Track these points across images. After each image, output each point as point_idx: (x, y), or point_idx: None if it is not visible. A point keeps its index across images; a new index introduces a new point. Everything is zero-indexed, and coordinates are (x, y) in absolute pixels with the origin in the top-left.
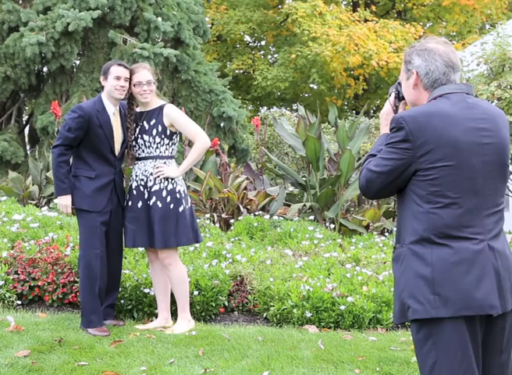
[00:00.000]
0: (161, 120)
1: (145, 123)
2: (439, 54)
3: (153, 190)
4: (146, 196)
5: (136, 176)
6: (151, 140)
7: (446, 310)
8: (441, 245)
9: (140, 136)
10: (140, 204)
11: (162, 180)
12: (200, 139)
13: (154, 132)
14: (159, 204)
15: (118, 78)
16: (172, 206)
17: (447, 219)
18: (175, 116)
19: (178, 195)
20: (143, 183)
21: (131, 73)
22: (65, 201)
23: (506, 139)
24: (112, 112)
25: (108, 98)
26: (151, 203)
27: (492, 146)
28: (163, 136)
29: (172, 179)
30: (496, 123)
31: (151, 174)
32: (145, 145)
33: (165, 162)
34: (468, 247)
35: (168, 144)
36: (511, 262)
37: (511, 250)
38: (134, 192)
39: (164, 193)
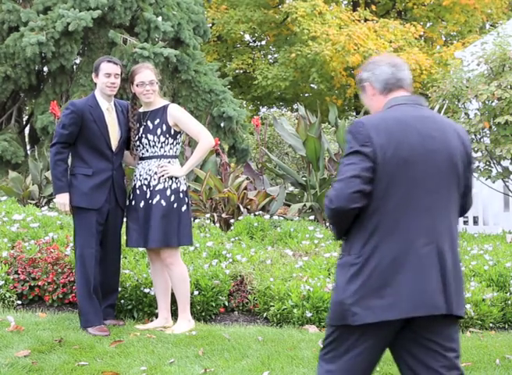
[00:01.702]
0: (166, 120)
1: (149, 122)
2: (381, 59)
3: (157, 189)
4: (148, 195)
5: (140, 175)
6: (156, 139)
7: (394, 313)
8: (389, 248)
9: (144, 135)
10: (142, 203)
11: (167, 179)
12: (204, 138)
13: (159, 131)
14: (163, 202)
15: (108, 75)
16: (175, 205)
17: (396, 221)
18: (179, 115)
19: (181, 195)
20: (146, 182)
21: (134, 74)
22: (62, 200)
23: (455, 148)
24: (106, 107)
25: (101, 94)
26: (154, 202)
27: (442, 154)
28: (167, 135)
29: (176, 178)
30: (445, 133)
31: (155, 173)
32: (149, 145)
33: (169, 162)
34: (417, 248)
35: (172, 143)
36: (458, 265)
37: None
38: (138, 191)
39: (168, 192)
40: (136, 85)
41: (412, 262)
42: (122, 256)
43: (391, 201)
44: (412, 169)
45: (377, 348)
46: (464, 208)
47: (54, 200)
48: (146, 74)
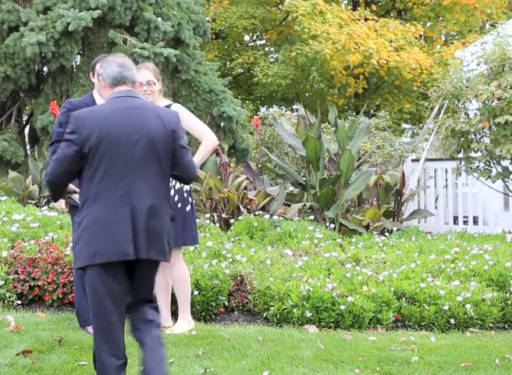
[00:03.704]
0: None
1: None
2: (113, 61)
3: None
4: None
5: None
6: None
7: (96, 259)
8: (94, 212)
9: None
10: None
11: (170, 179)
12: (208, 138)
13: None
14: None
15: None
16: (179, 205)
17: (100, 190)
18: (182, 115)
19: (185, 195)
20: None
21: None
22: None
23: (155, 130)
24: None
25: (99, 93)
26: None
27: (140, 135)
28: None
29: None
30: (147, 119)
31: None
32: None
33: None
34: (113, 210)
35: None
36: (158, 221)
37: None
38: None
39: (172, 192)
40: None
41: (109, 221)
42: None
43: (97, 175)
44: (112, 148)
45: (109, 283)
46: (182, 177)
47: None
48: (143, 74)
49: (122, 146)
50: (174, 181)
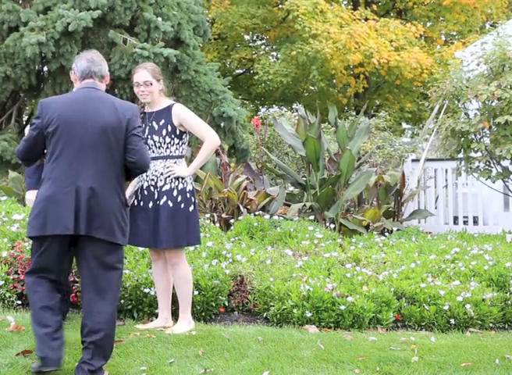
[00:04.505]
0: (171, 120)
1: (154, 123)
2: (84, 56)
3: (163, 189)
4: (156, 196)
5: (147, 176)
6: (161, 140)
7: (42, 231)
8: (46, 188)
9: (149, 136)
10: (150, 204)
11: (173, 180)
12: (210, 138)
13: (164, 132)
14: (170, 203)
15: None
16: (182, 206)
17: (53, 170)
18: (184, 115)
19: (188, 195)
20: (153, 183)
21: (132, 74)
22: (30, 196)
23: (108, 120)
24: None
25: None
26: (161, 203)
27: (94, 123)
28: (173, 136)
29: (182, 178)
30: (103, 109)
31: (162, 174)
32: (155, 146)
33: (175, 162)
34: (61, 188)
35: (178, 143)
36: (102, 202)
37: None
38: (145, 192)
39: (175, 192)
40: (133, 85)
41: (56, 198)
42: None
43: (53, 157)
44: (67, 133)
45: (53, 252)
46: (135, 163)
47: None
48: (141, 75)
49: (76, 132)
50: (176, 182)
